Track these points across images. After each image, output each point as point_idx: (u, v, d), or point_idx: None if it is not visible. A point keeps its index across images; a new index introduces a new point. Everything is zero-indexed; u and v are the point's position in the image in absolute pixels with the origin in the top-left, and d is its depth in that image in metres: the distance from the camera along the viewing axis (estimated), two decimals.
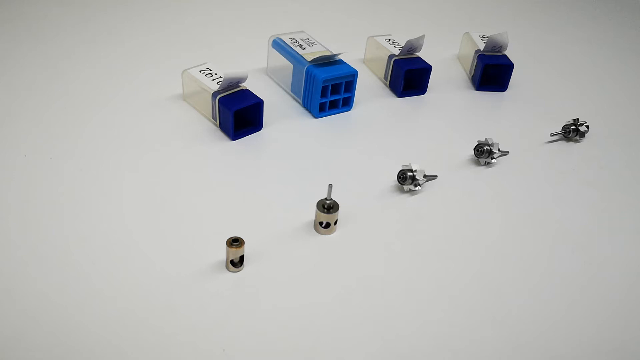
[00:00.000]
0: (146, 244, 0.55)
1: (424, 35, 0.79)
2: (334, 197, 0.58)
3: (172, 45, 0.88)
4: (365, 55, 0.86)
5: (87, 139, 0.67)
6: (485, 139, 0.68)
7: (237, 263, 0.54)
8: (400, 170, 0.63)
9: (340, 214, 0.59)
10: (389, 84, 0.81)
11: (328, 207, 0.57)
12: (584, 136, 0.74)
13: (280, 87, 0.79)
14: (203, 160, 0.66)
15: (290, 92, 0.77)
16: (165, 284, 0.52)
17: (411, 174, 0.63)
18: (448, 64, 0.89)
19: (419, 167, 0.63)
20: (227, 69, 0.68)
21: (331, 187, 0.57)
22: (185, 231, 0.57)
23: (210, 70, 0.71)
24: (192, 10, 0.99)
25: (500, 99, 0.82)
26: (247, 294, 0.52)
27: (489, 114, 0.79)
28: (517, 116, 0.78)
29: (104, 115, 0.71)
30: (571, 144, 0.74)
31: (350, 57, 0.86)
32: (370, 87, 0.81)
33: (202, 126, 0.70)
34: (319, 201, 0.58)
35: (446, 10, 1.09)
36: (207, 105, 0.69)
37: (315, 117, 0.74)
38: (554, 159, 0.71)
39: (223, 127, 0.69)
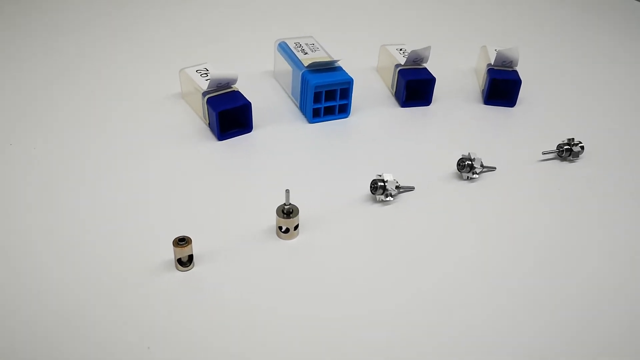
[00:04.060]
0: (101, 239, 0.53)
1: (429, 47, 0.73)
2: (305, 202, 0.55)
3: (187, 44, 0.86)
4: (377, 63, 0.82)
5: (75, 132, 0.66)
6: (469, 153, 0.62)
7: (185, 262, 0.51)
8: (372, 180, 0.58)
9: (308, 220, 0.56)
10: (394, 94, 0.76)
11: (287, 212, 0.54)
12: (577, 156, 0.66)
13: (284, 90, 0.75)
14: (185, 159, 0.63)
15: (291, 96, 0.74)
16: (113, 281, 0.50)
17: (382, 184, 0.58)
18: (464, 76, 0.83)
19: (392, 177, 0.58)
20: (220, 69, 0.66)
21: (288, 192, 0.53)
22: (143, 228, 0.55)
23: (207, 70, 0.69)
24: (213, 9, 0.98)
25: (506, 114, 0.75)
26: (187, 294, 0.49)
27: (488, 129, 0.72)
28: (517, 133, 0.72)
29: (102, 110, 0.70)
30: (565, 163, 0.66)
31: (366, 64, 0.83)
32: (377, 96, 0.77)
33: (194, 125, 0.68)
34: (278, 206, 0.54)
35: (474, 21, 1.02)
36: (200, 104, 0.67)
37: (310, 123, 0.70)
38: (541, 178, 0.64)
39: (211, 127, 0.66)
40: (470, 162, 0.61)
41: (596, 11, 1.08)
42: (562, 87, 0.82)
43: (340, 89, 0.69)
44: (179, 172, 0.61)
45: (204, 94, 0.65)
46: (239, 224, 0.56)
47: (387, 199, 0.58)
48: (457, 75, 0.83)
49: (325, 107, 0.70)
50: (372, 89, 0.78)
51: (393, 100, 0.76)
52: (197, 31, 0.91)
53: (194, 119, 0.69)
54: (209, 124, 0.67)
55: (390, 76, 0.76)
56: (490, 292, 0.51)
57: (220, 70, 0.66)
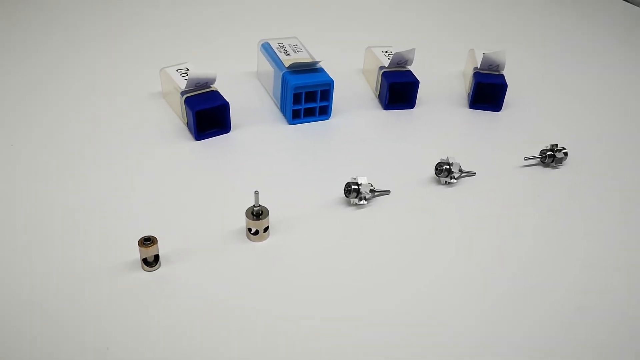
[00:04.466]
0: (67, 237, 0.53)
1: (414, 49, 0.72)
2: (279, 204, 0.54)
3: (173, 44, 0.86)
4: (363, 65, 0.81)
5: (52, 128, 0.66)
6: (447, 157, 0.61)
7: (151, 262, 0.50)
8: (347, 183, 0.58)
9: (280, 222, 0.55)
10: (378, 96, 0.75)
11: (257, 213, 0.53)
12: (560, 163, 0.65)
13: (266, 91, 0.75)
14: (160, 158, 0.63)
15: (273, 97, 0.73)
16: (76, 279, 0.49)
17: (356, 187, 0.57)
18: (452, 79, 0.82)
19: (366, 181, 0.57)
20: (199, 69, 0.65)
21: (257, 194, 0.52)
22: (111, 226, 0.54)
23: (187, 69, 0.68)
24: (201, 9, 0.97)
25: (491, 119, 0.74)
26: (151, 294, 0.48)
27: (472, 133, 0.71)
28: (501, 138, 0.70)
29: (82, 107, 0.70)
30: (548, 170, 0.65)
31: (353, 66, 0.82)
32: (360, 98, 0.76)
33: (172, 125, 0.67)
34: (248, 208, 0.53)
35: (466, 24, 1.00)
36: (179, 104, 0.66)
37: (290, 124, 0.69)
38: (522, 184, 0.63)
39: (189, 127, 0.65)
40: (448, 167, 0.60)
41: (588, 15, 1.06)
42: (551, 92, 0.81)
43: (321, 91, 0.68)
44: (152, 171, 0.61)
45: (183, 93, 0.65)
46: (210, 224, 0.55)
47: (361, 202, 0.57)
48: (445, 79, 0.81)
49: (305, 109, 0.69)
50: (356, 91, 0.77)
51: (377, 102, 0.75)
52: (185, 31, 0.90)
53: (172, 119, 0.68)
54: (187, 123, 0.66)
55: (375, 78, 0.75)
56: (460, 300, 0.50)
57: (199, 70, 0.65)
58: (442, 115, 0.74)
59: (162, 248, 0.51)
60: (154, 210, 0.56)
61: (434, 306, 0.49)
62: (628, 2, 1.13)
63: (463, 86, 0.81)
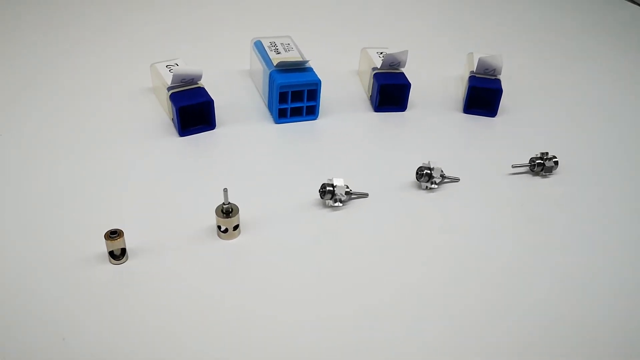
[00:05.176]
0: (33, 226, 0.53)
1: (407, 51, 0.71)
2: (254, 203, 0.54)
3: (170, 40, 0.86)
4: (358, 66, 0.80)
5: (42, 119, 0.67)
6: (429, 162, 0.60)
7: (118, 256, 0.50)
8: (322, 184, 0.57)
9: (253, 221, 0.55)
10: (370, 98, 0.74)
11: (226, 211, 0.53)
12: (550, 171, 0.63)
13: (257, 90, 0.74)
14: (142, 152, 0.63)
15: (262, 96, 0.72)
16: (42, 269, 0.49)
17: (331, 188, 0.56)
18: (450, 83, 0.80)
19: (342, 182, 0.57)
20: (185, 65, 0.65)
21: (226, 191, 0.52)
22: (83, 219, 0.54)
23: (177, 65, 0.68)
24: (201, 6, 0.97)
25: (485, 124, 0.72)
26: (113, 287, 0.49)
27: (463, 138, 0.70)
28: (493, 144, 0.69)
29: (73, 99, 0.70)
30: (537, 179, 0.63)
31: (349, 67, 0.81)
32: (352, 99, 0.75)
33: (159, 120, 0.68)
34: (218, 206, 0.53)
35: (468, 28, 0.98)
36: (165, 99, 0.66)
37: (276, 123, 0.69)
38: (507, 192, 0.61)
39: (174, 122, 0.65)
40: (428, 171, 0.59)
41: (591, 20, 1.03)
42: (551, 99, 0.78)
43: (308, 90, 0.67)
44: (131, 165, 0.61)
45: (169, 89, 0.65)
46: (182, 221, 0.55)
47: (336, 204, 0.57)
48: (443, 83, 0.80)
49: (292, 108, 0.68)
50: (349, 92, 0.76)
51: (368, 104, 0.74)
52: (184, 28, 0.90)
53: (160, 114, 0.68)
54: (172, 119, 0.66)
55: (368, 80, 0.75)
56: (429, 310, 0.49)
57: (184, 66, 0.65)
58: (434, 119, 0.72)
59: (133, 242, 0.52)
60: (127, 203, 0.56)
61: (398, 311, 0.48)
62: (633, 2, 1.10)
63: (460, 91, 0.79)
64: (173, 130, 0.66)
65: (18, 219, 0.54)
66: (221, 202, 0.53)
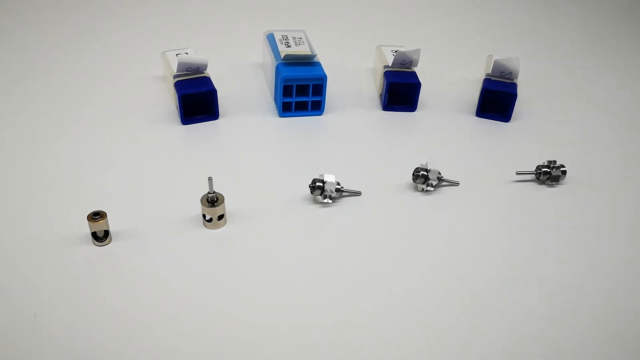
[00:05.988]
0: (23, 205, 0.54)
1: (419, 49, 0.70)
2: (245, 195, 0.55)
3: (189, 30, 0.86)
4: (373, 64, 0.79)
5: (52, 102, 0.68)
6: (426, 163, 0.58)
7: (101, 237, 0.51)
8: (312, 180, 0.56)
9: (241, 212, 0.54)
10: (380, 96, 0.73)
11: (211, 200, 0.53)
12: (557, 181, 0.61)
13: (266, 82, 0.74)
14: (143, 138, 0.63)
15: (270, 89, 0.72)
16: (26, 248, 0.50)
17: (320, 184, 0.55)
18: (467, 86, 0.78)
19: (334, 179, 0.56)
20: (192, 54, 0.65)
21: (211, 180, 0.52)
22: (70, 200, 0.55)
23: (187, 54, 0.68)
24: None
25: (497, 129, 0.70)
26: (92, 268, 0.49)
27: (471, 141, 0.68)
28: (502, 150, 0.66)
29: (85, 84, 0.71)
30: (542, 187, 0.61)
31: (365, 65, 0.80)
32: (362, 97, 0.74)
33: (164, 107, 0.68)
34: (203, 195, 0.53)
35: (492, 30, 0.95)
36: (172, 87, 0.67)
37: (280, 116, 0.68)
38: (507, 199, 0.59)
39: (178, 111, 0.66)
40: (425, 173, 0.58)
41: (623, 31, 0.99)
42: (569, 108, 0.75)
43: (314, 85, 0.67)
44: (131, 150, 0.61)
45: (175, 77, 0.65)
46: (170, 208, 0.55)
47: (326, 200, 0.56)
48: (460, 85, 0.78)
49: (297, 103, 0.68)
50: (360, 90, 0.75)
51: (378, 103, 0.73)
52: (203, 17, 0.90)
53: (166, 102, 0.69)
54: (177, 107, 0.66)
55: (380, 78, 0.73)
56: (413, 312, 0.47)
57: (190, 55, 0.65)
58: (444, 121, 0.71)
59: (119, 225, 0.52)
60: (121, 188, 0.57)
61: (380, 315, 0.47)
62: None
63: (476, 94, 0.77)
64: (176, 118, 0.66)
65: (6, 198, 0.55)
66: (207, 191, 0.53)
